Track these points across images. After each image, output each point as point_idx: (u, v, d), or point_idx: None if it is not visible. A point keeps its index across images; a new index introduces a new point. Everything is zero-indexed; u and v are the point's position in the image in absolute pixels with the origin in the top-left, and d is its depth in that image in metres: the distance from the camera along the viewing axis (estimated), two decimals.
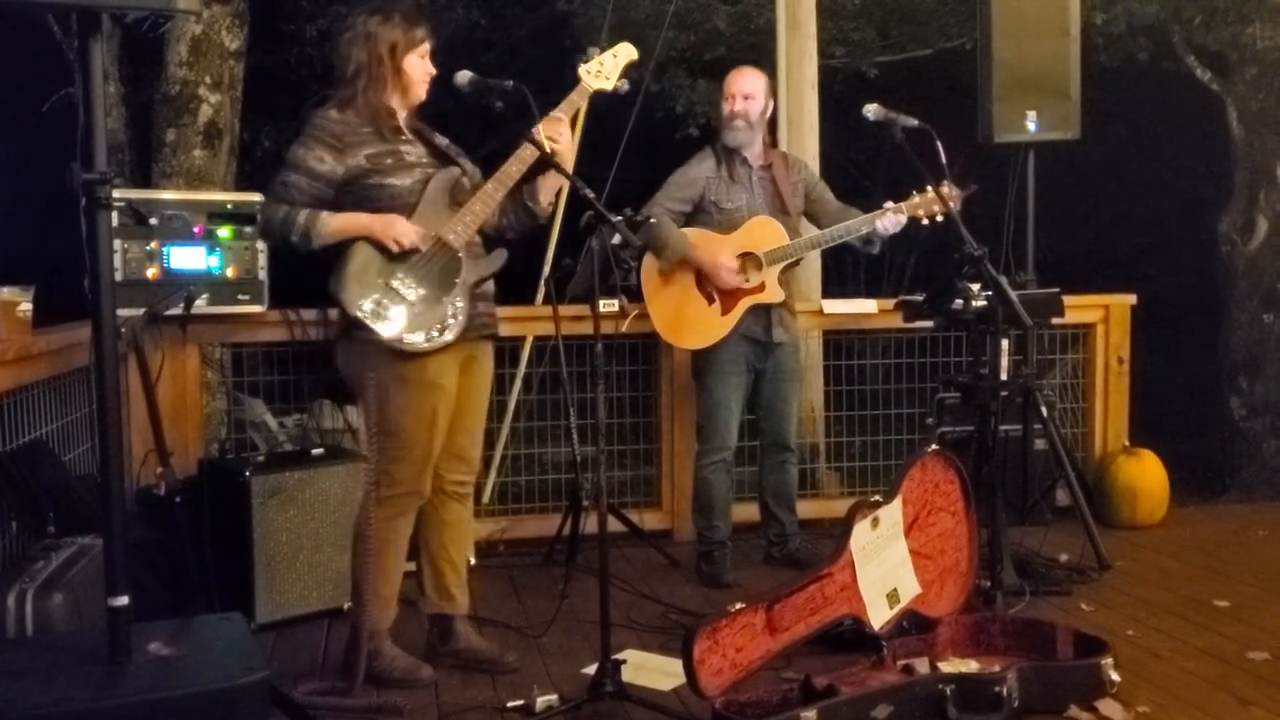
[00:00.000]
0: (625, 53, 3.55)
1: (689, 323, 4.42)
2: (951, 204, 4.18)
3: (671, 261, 4.37)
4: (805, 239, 4.45)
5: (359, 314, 3.25)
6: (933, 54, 9.27)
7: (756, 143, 4.50)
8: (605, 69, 3.49)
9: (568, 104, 3.50)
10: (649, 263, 4.43)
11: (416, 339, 3.28)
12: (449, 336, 3.32)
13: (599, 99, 3.65)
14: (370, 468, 3.37)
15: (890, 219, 4.28)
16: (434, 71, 3.48)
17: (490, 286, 3.55)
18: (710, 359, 4.45)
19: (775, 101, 4.70)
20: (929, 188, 4.22)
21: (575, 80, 3.52)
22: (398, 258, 3.31)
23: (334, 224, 3.30)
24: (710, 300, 4.40)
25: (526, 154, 3.38)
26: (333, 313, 3.60)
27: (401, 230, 3.29)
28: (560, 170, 3.40)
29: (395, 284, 3.29)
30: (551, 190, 3.56)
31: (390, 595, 3.49)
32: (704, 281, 4.40)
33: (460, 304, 3.35)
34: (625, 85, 3.63)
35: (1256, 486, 7.35)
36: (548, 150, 3.36)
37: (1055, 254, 8.29)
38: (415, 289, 3.30)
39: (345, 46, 3.41)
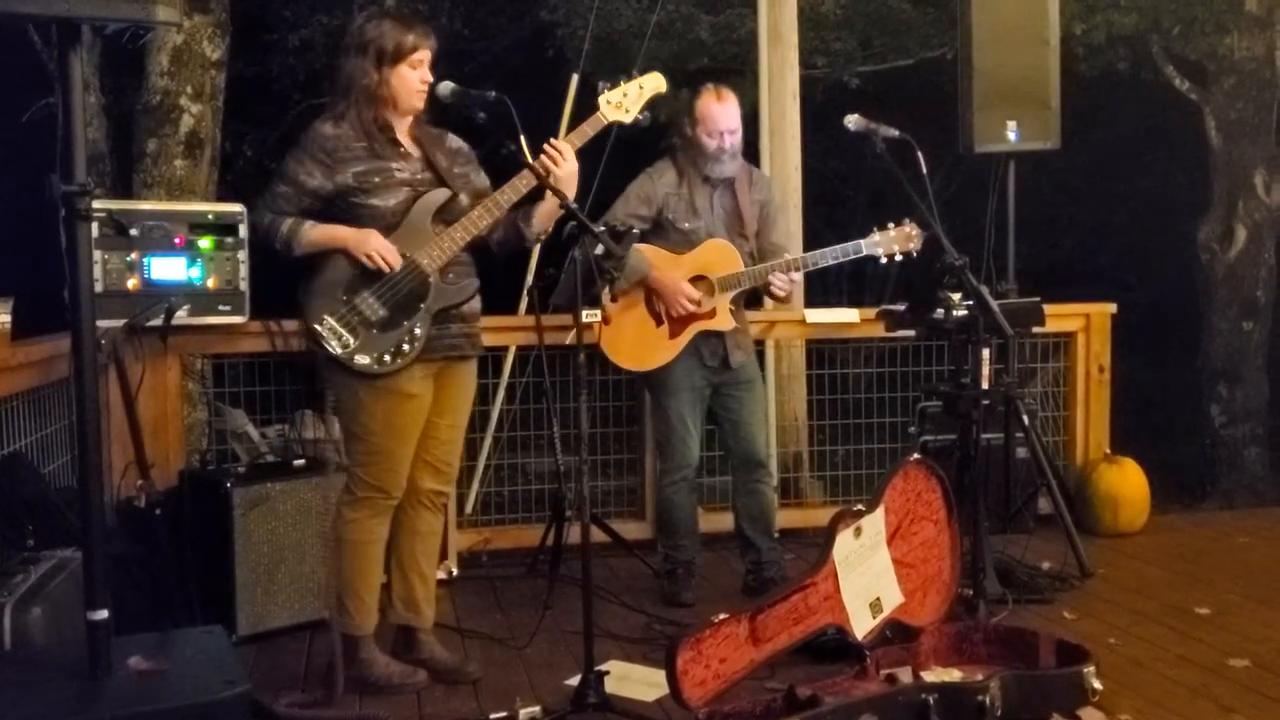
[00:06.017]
0: (652, 84, 3.40)
1: (633, 342, 4.30)
2: (911, 244, 4.18)
3: (629, 280, 4.20)
4: (760, 267, 4.28)
5: (316, 326, 3.30)
6: (914, 64, 9.31)
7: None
8: (628, 99, 3.40)
9: (578, 133, 3.42)
10: None
11: (365, 360, 3.30)
12: (400, 363, 3.31)
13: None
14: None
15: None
16: (430, 79, 3.37)
17: (476, 305, 3.52)
18: (663, 376, 4.32)
19: (756, 112, 4.66)
20: (890, 225, 4.19)
21: (593, 108, 3.39)
22: (367, 276, 3.31)
23: (314, 234, 3.34)
24: (659, 322, 4.28)
25: (521, 183, 3.34)
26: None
27: (375, 245, 3.29)
28: (559, 195, 3.31)
29: (358, 302, 3.31)
30: (548, 217, 3.48)
31: (371, 600, 3.50)
32: (654, 301, 4.28)
33: (419, 330, 3.33)
34: (646, 118, 3.46)
35: (1237, 493, 7.41)
36: (545, 177, 3.30)
37: (1036, 263, 8.33)
38: (378, 310, 3.31)
39: (339, 56, 3.40)
